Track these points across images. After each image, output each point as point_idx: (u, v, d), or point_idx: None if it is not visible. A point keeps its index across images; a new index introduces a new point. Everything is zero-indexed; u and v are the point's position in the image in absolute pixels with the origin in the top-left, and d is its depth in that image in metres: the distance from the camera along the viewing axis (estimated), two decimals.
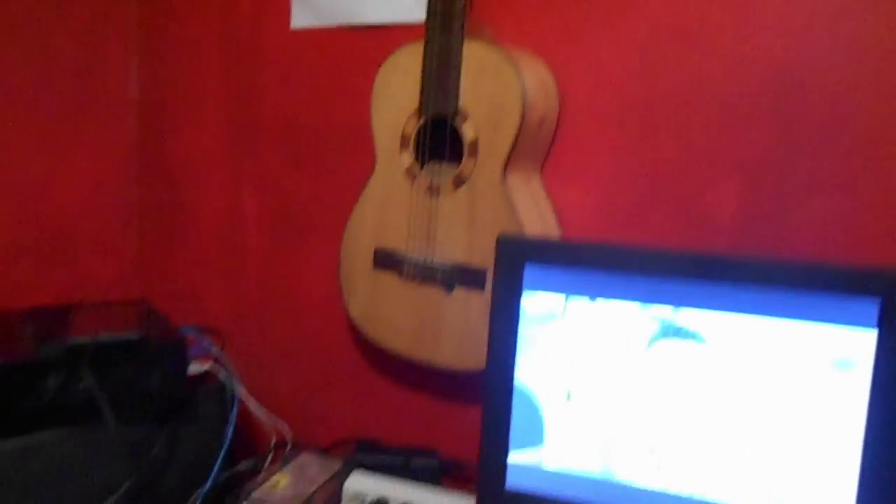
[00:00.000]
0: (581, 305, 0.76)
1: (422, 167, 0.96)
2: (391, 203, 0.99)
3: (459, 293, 0.94)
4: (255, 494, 0.88)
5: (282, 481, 0.93)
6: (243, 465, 1.04)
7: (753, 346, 0.70)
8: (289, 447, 1.07)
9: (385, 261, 1.00)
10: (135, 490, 0.96)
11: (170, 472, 1.00)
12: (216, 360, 1.05)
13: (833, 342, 0.68)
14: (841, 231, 0.79)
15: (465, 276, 0.93)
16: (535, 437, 0.78)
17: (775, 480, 0.70)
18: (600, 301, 0.75)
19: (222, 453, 1.02)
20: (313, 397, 1.18)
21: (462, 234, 0.93)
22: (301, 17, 1.18)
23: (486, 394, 0.79)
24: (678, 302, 0.73)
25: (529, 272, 0.78)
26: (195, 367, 1.01)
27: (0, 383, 0.85)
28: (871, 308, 0.67)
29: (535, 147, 0.94)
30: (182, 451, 1.01)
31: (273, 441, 1.10)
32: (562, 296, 0.76)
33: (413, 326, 0.98)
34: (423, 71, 0.93)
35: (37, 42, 1.24)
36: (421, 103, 0.95)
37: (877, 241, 0.77)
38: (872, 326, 0.67)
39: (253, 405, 1.10)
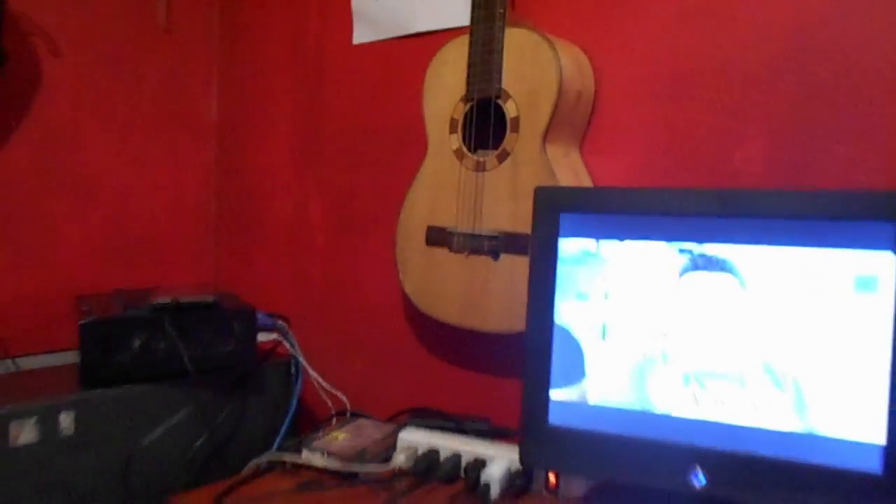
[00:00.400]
0: (612, 247, 0.81)
1: (469, 148, 1.05)
2: (442, 183, 1.07)
3: (505, 260, 1.00)
4: (315, 444, 0.95)
5: (340, 436, 0.99)
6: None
7: (778, 276, 0.74)
8: (348, 416, 1.13)
9: (436, 237, 1.08)
10: (206, 448, 1.04)
11: (237, 437, 1.08)
12: (283, 337, 1.13)
13: (853, 266, 0.71)
14: (862, 176, 0.82)
15: (511, 243, 1.00)
16: (575, 374, 0.83)
17: (808, 403, 0.73)
18: (629, 242, 0.81)
19: (287, 420, 1.09)
20: (371, 372, 1.25)
21: (507, 204, 1.00)
22: (362, 34, 1.31)
23: (528, 334, 0.85)
24: (703, 238, 0.77)
25: (564, 219, 0.84)
26: (263, 337, 1.09)
27: (93, 339, 0.95)
28: (888, 231, 0.70)
29: (572, 121, 1.01)
30: (250, 418, 1.10)
31: (333, 411, 1.16)
32: (593, 240, 0.82)
33: (463, 296, 1.05)
34: (469, 58, 1.03)
35: (132, 72, 1.40)
36: (467, 88, 1.04)
37: (893, 184, 0.81)
38: (890, 249, 0.70)
39: (315, 380, 1.17)
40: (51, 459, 0.92)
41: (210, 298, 1.02)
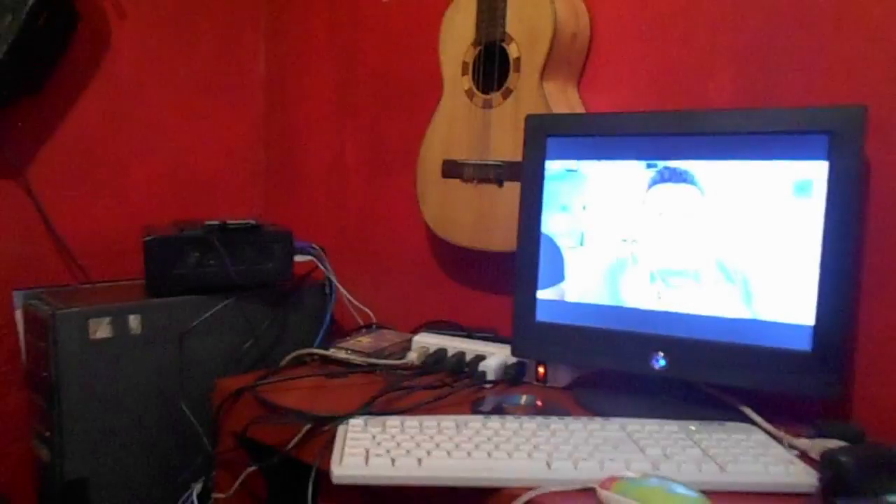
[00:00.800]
0: (591, 166, 0.93)
1: (479, 87, 1.17)
2: (455, 121, 1.20)
3: (509, 186, 1.13)
4: (342, 344, 1.10)
5: (364, 340, 1.14)
6: None
7: (730, 185, 0.85)
8: (374, 327, 1.29)
9: (450, 169, 1.21)
10: (252, 352, 1.20)
11: (279, 346, 1.24)
12: (318, 261, 1.28)
13: (792, 174, 0.82)
14: (814, 98, 0.91)
15: (513, 170, 1.12)
16: (557, 276, 0.96)
17: (754, 294, 0.84)
18: (605, 161, 0.92)
19: (322, 331, 1.25)
20: (396, 293, 1.40)
21: (510, 137, 1.12)
22: None
23: (519, 243, 0.98)
24: (668, 155, 0.88)
25: (551, 143, 0.96)
26: (301, 259, 1.25)
27: (155, 254, 1.12)
28: (822, 142, 0.80)
29: (568, 60, 1.12)
30: (289, 330, 1.26)
31: (361, 324, 1.32)
32: (575, 161, 0.94)
33: (473, 220, 1.18)
34: (478, 6, 1.15)
35: (186, 31, 1.56)
36: (476, 33, 1.16)
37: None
38: (824, 158, 0.80)
39: (347, 298, 1.33)
40: (122, 353, 1.09)
41: (253, 221, 1.18)
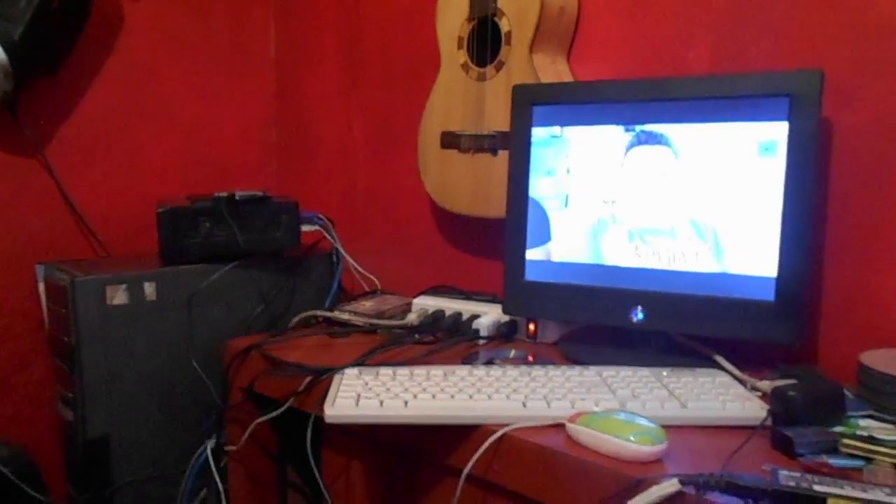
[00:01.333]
0: (574, 131, 0.98)
1: (473, 61, 1.22)
2: (452, 94, 1.25)
3: (502, 155, 1.18)
4: (346, 307, 1.16)
5: (367, 304, 1.21)
6: None
7: (701, 146, 0.89)
8: (378, 292, 1.35)
9: (449, 140, 1.26)
10: (263, 318, 1.27)
11: (288, 312, 1.31)
12: (325, 231, 1.35)
13: (757, 135, 0.86)
14: (780, 63, 0.95)
15: (507, 140, 1.17)
16: (544, 237, 1.01)
17: (723, 249, 0.88)
18: (587, 127, 0.97)
19: (330, 297, 1.32)
20: (401, 261, 1.46)
21: (503, 107, 1.17)
22: None
23: (509, 207, 1.03)
24: (644, 119, 0.93)
25: (536, 111, 1.01)
26: (308, 229, 1.31)
27: (168, 224, 1.19)
28: (783, 104, 0.84)
29: (557, 33, 1.16)
30: (298, 297, 1.32)
31: (366, 289, 1.38)
32: (559, 127, 0.99)
33: (471, 189, 1.23)
34: None
35: (200, 13, 1.62)
36: (470, 8, 1.20)
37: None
38: (784, 119, 0.85)
39: (353, 267, 1.39)
40: (138, 318, 1.17)
41: (260, 193, 1.24)
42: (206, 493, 1.17)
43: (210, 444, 1.15)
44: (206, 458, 1.14)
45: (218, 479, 1.14)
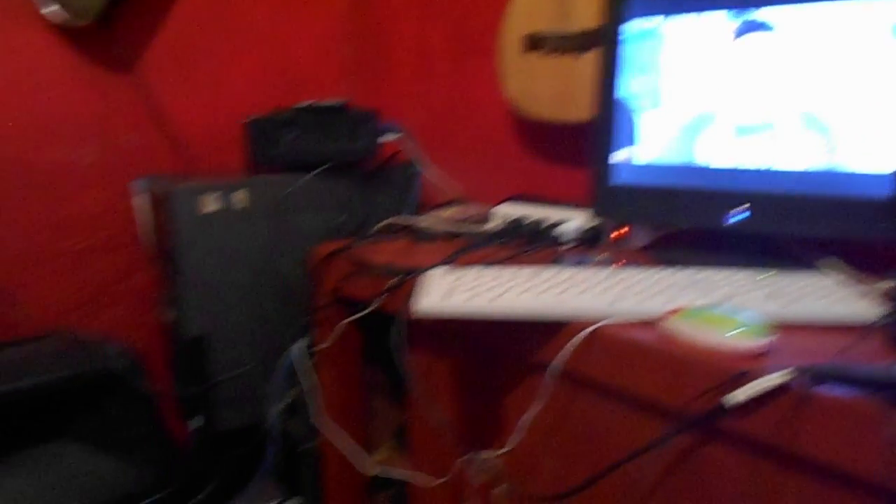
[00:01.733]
0: (673, 23, 0.92)
1: None
2: None
3: (589, 55, 1.12)
4: (426, 215, 1.16)
5: (447, 212, 1.20)
6: None
7: (820, 31, 0.82)
8: (458, 202, 1.34)
9: (532, 43, 1.21)
10: (346, 226, 1.28)
11: (370, 221, 1.31)
12: (405, 140, 1.33)
13: (890, 14, 0.78)
14: None
15: (594, 38, 1.11)
16: (631, 139, 0.96)
17: (837, 145, 0.82)
18: (691, 15, 0.91)
19: (409, 207, 1.31)
20: (482, 171, 1.44)
21: (591, 5, 1.11)
22: None
23: (596, 108, 0.99)
24: (754, 3, 0.86)
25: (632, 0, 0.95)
26: (390, 138, 1.30)
27: (253, 134, 1.20)
28: None
29: None
30: (380, 206, 1.33)
31: (446, 199, 1.37)
32: (655, 18, 0.93)
33: (555, 92, 1.19)
34: None
35: None
36: None
37: None
38: None
39: (433, 176, 1.38)
40: (229, 226, 1.19)
41: (340, 102, 1.23)
42: (296, 389, 1.21)
43: (300, 344, 1.18)
44: (297, 357, 1.18)
45: (309, 376, 1.17)
